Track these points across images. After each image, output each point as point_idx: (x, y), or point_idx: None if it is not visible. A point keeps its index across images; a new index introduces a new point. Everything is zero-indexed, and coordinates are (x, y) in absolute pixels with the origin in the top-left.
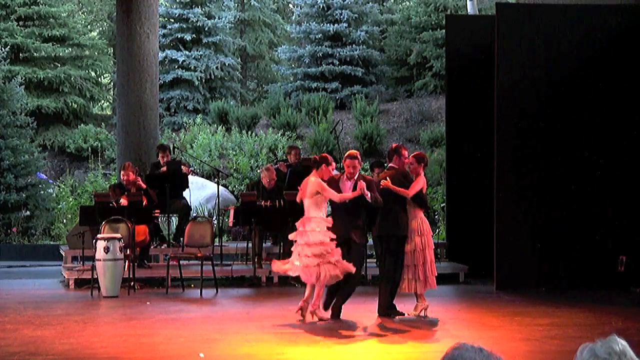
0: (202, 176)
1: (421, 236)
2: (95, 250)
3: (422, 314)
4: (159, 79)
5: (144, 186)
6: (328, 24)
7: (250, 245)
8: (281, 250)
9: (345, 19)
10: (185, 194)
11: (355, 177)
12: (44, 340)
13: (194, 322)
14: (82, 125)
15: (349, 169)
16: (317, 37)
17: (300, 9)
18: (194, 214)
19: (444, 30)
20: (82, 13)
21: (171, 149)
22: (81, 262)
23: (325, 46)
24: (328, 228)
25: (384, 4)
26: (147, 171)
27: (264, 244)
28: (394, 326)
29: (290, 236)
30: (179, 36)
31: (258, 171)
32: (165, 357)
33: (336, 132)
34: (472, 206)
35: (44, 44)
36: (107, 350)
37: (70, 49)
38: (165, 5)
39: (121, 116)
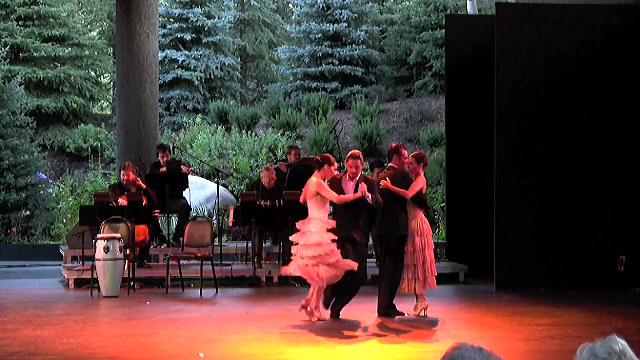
0: (202, 176)
1: (421, 236)
2: (95, 250)
3: (422, 314)
4: (159, 79)
5: (144, 186)
6: (328, 24)
7: (250, 245)
8: (281, 250)
9: (345, 19)
10: (185, 194)
11: (358, 178)
12: (44, 340)
13: (194, 322)
14: (82, 125)
15: (351, 169)
16: (317, 37)
17: (300, 9)
18: (194, 214)
19: (444, 30)
20: (82, 13)
21: (171, 149)
22: (81, 262)
23: (325, 46)
24: (331, 229)
25: (384, 4)
26: (147, 171)
27: (264, 244)
28: (394, 326)
29: (291, 238)
30: (179, 36)
31: (258, 171)
32: (165, 357)
33: (336, 132)
34: (472, 206)
35: (44, 44)
36: (107, 350)
37: (70, 49)
38: (165, 5)
39: (121, 116)
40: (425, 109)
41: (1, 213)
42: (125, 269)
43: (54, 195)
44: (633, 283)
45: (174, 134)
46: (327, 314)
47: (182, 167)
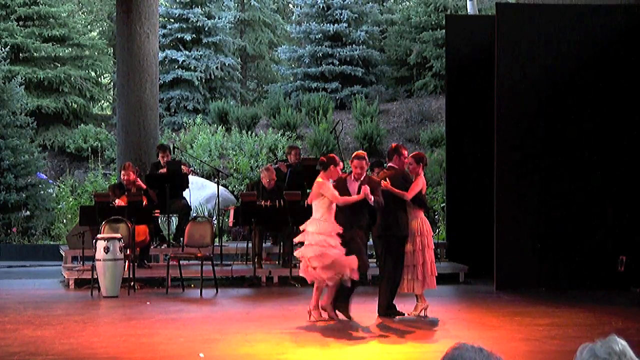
0: (202, 176)
1: (421, 236)
2: (95, 250)
3: (422, 314)
4: (159, 79)
5: (144, 186)
6: (328, 24)
7: (250, 245)
8: (281, 250)
9: (345, 19)
10: (185, 194)
11: (362, 178)
12: (44, 340)
13: (194, 322)
14: (82, 125)
15: (356, 170)
16: (317, 37)
17: (300, 9)
18: (194, 214)
19: (444, 30)
20: (82, 13)
21: (171, 149)
22: (81, 262)
23: (325, 46)
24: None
25: (384, 4)
26: (147, 171)
27: (264, 244)
28: (394, 326)
29: (295, 240)
30: (179, 36)
31: (258, 171)
32: (165, 357)
33: (336, 132)
34: (472, 206)
35: (44, 44)
36: (107, 350)
37: (70, 49)
38: (165, 5)
39: (121, 116)
40: (425, 109)
41: (1, 213)
42: (125, 269)
43: (54, 195)
44: (633, 283)
45: (174, 134)
46: (326, 313)
47: (182, 167)
